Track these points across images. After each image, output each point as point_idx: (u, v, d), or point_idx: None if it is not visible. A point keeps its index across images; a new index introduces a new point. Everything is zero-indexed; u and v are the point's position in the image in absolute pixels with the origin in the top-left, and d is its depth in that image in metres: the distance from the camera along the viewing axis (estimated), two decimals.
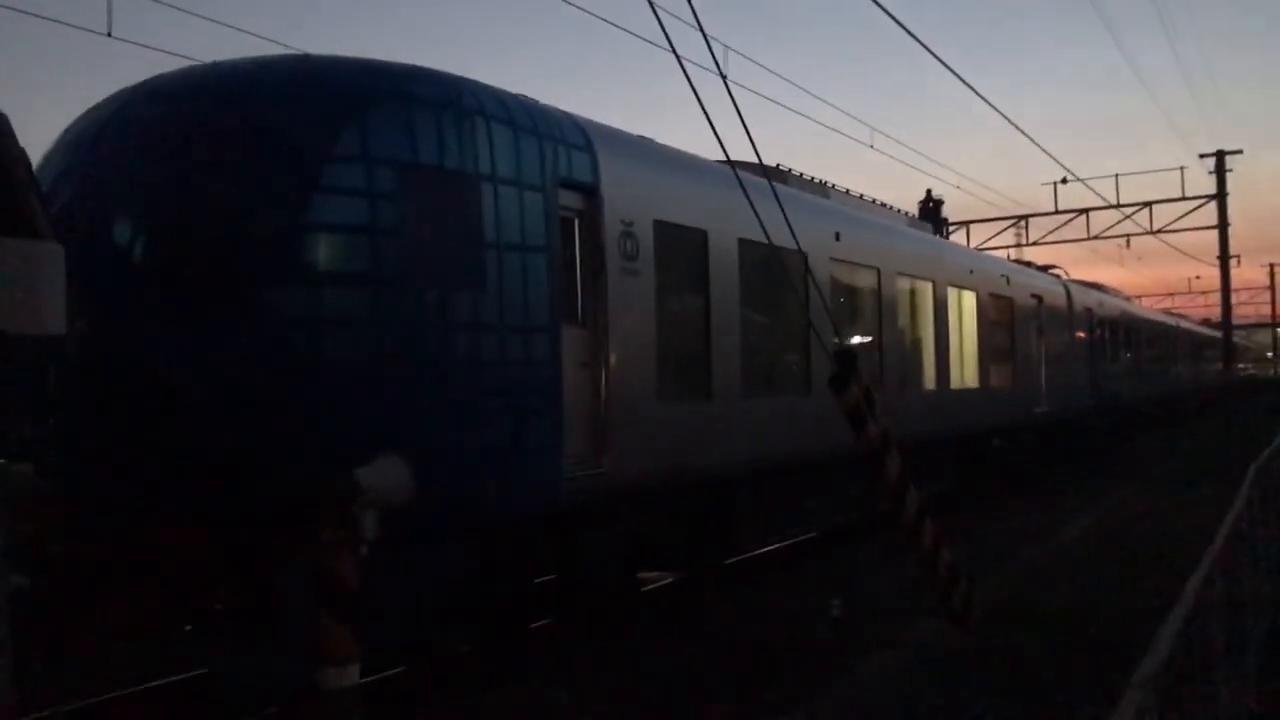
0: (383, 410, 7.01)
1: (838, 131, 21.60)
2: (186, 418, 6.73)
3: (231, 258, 6.77)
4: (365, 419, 6.93)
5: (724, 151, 7.37)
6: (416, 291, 7.22)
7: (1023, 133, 19.87)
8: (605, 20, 12.43)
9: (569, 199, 8.62)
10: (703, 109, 6.20)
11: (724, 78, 7.15)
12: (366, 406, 6.95)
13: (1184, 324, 49.93)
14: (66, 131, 7.56)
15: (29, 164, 5.02)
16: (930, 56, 10.66)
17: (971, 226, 37.17)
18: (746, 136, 6.87)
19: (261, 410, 6.75)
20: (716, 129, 6.81)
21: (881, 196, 17.04)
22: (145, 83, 7.62)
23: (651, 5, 5.92)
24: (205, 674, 7.80)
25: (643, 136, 10.84)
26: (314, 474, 6.31)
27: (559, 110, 9.06)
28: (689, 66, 6.42)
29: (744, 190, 7.58)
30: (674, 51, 6.00)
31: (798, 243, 9.72)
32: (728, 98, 6.84)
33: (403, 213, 7.17)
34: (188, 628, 7.52)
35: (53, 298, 4.88)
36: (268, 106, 7.13)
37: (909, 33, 10.70)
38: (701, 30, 6.18)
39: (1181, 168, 37.20)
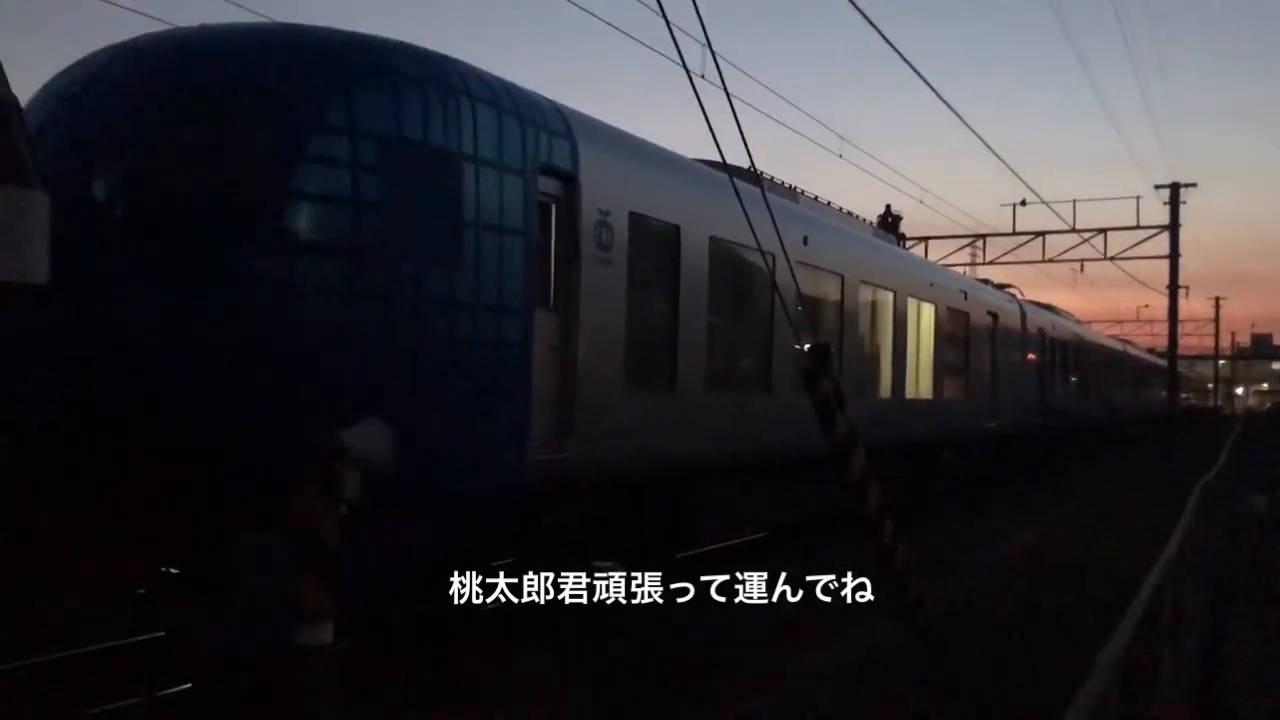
0: (352, 383, 7.03)
1: (808, 139, 21.87)
2: (152, 378, 6.70)
3: (211, 222, 6.75)
4: (334, 390, 6.94)
5: (720, 153, 7.48)
6: (394, 266, 7.25)
7: (991, 150, 20.20)
8: (594, 15, 12.48)
9: (548, 185, 8.69)
10: (704, 112, 6.29)
11: (723, 81, 7.25)
12: (337, 378, 6.96)
13: (1131, 350, 50.84)
14: (49, 85, 7.49)
15: (20, 110, 4.99)
16: (900, 71, 10.86)
17: (929, 243, 37.67)
18: (741, 139, 6.98)
19: (229, 375, 6.74)
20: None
21: (848, 206, 17.25)
22: (132, 41, 7.58)
23: (664, 17, 5.99)
24: (163, 637, 7.78)
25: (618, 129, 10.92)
26: (279, 441, 6.32)
27: (541, 96, 9.12)
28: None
29: (737, 192, 7.72)
30: (685, 66, 6.08)
31: (763, 245, 9.86)
32: (714, 95, 6.95)
33: (385, 187, 7.20)
34: (140, 591, 7.50)
35: (37, 246, 4.85)
36: (256, 73, 7.11)
37: (886, 39, 10.89)
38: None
39: (1137, 197, 38.03)
